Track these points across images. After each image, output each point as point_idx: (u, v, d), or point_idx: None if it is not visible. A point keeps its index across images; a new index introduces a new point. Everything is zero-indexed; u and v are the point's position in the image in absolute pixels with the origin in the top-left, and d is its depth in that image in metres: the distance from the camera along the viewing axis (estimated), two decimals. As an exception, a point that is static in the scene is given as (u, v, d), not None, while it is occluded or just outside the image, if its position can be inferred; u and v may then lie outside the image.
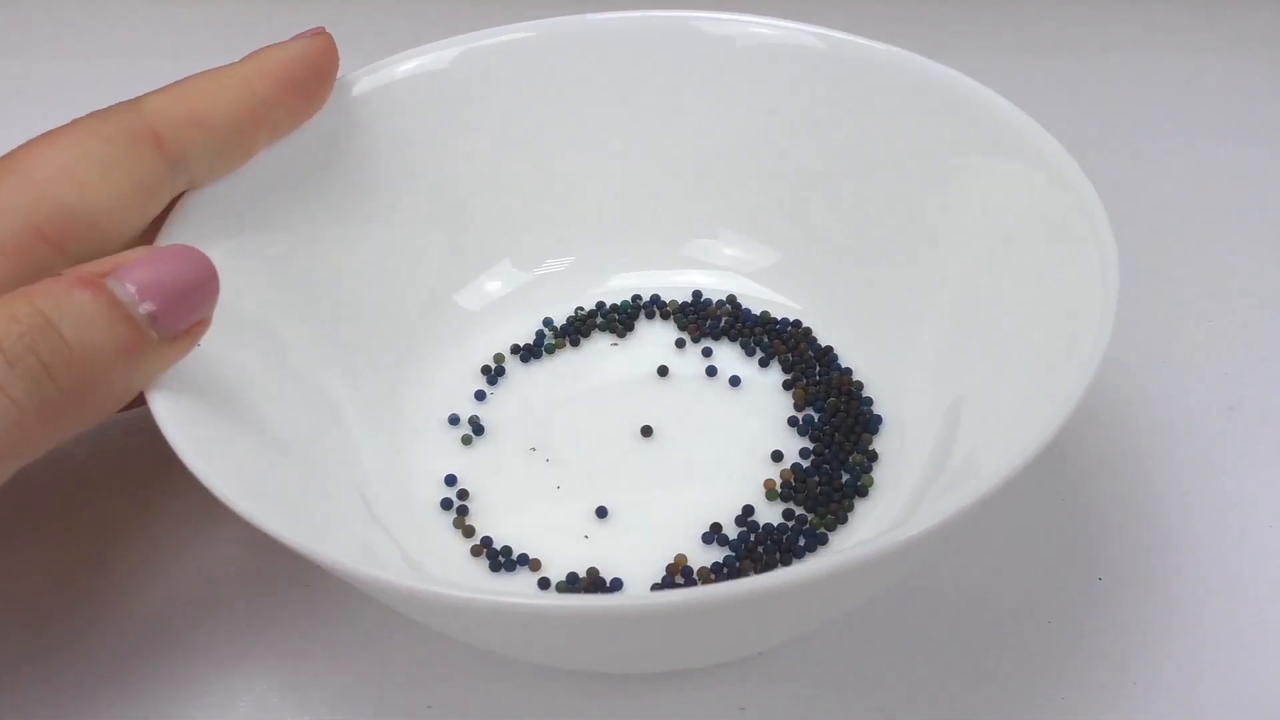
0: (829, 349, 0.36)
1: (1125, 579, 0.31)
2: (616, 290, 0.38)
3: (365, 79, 0.34)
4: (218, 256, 0.30)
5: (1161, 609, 0.31)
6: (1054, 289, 0.29)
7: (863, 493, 0.32)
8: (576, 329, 0.37)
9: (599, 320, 0.37)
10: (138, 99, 0.29)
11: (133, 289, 0.25)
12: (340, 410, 0.32)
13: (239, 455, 0.27)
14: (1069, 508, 0.33)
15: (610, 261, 0.38)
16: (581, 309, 0.37)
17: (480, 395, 0.35)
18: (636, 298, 0.37)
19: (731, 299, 0.37)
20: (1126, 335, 0.35)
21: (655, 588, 0.30)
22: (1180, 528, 0.32)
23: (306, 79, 0.31)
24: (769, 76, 0.36)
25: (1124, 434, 0.34)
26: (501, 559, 0.31)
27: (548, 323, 0.37)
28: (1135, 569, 0.32)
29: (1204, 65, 0.47)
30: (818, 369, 0.35)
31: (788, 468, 0.33)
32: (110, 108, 0.29)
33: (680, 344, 0.36)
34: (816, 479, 0.32)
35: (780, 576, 0.22)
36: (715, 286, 0.38)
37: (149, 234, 0.30)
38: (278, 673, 0.30)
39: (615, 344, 0.37)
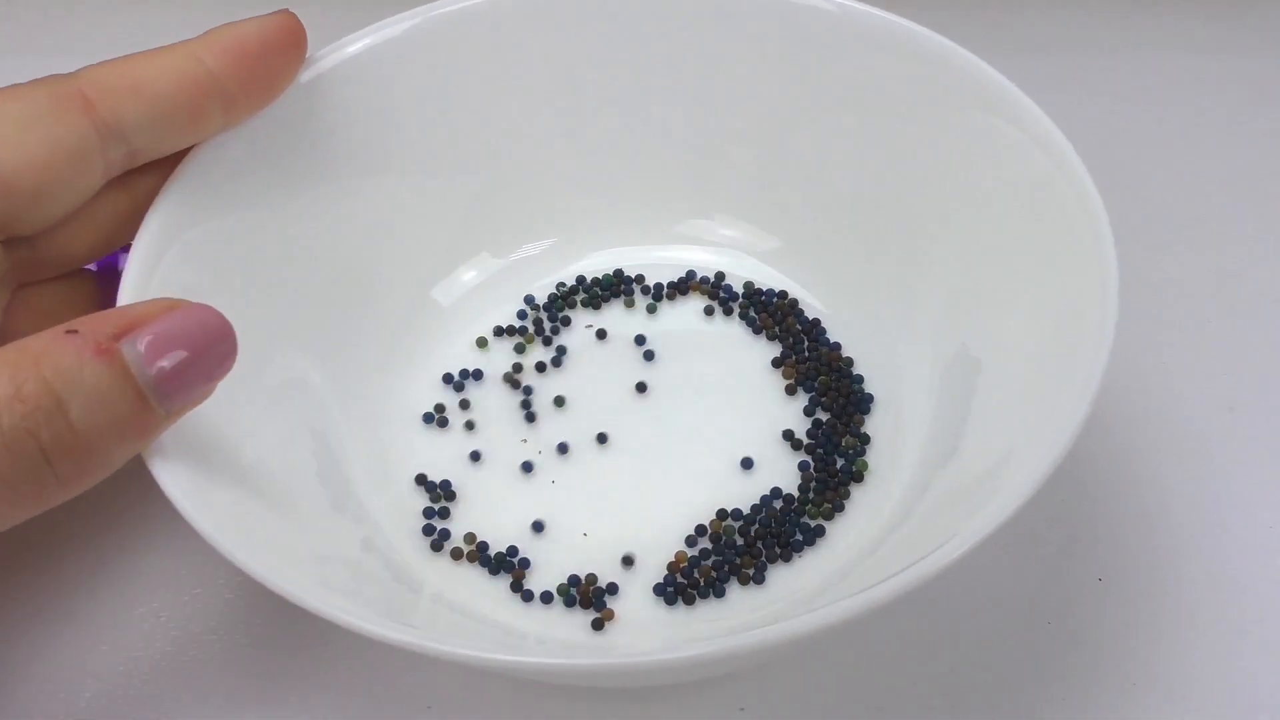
0: (816, 321, 0.35)
1: (1125, 579, 0.31)
2: (600, 269, 0.37)
3: (324, 59, 0.32)
4: (185, 249, 0.29)
5: (1161, 609, 0.31)
6: (1051, 256, 0.29)
7: (858, 478, 0.32)
8: (558, 309, 0.36)
9: (581, 298, 0.36)
10: (76, 70, 0.28)
11: (143, 347, 0.23)
12: (326, 409, 0.32)
13: (234, 500, 0.26)
14: (1069, 507, 0.33)
15: (592, 243, 0.37)
16: (564, 284, 0.36)
17: (465, 389, 0.34)
18: (619, 272, 0.36)
19: (719, 275, 0.36)
20: (1126, 336, 0.35)
21: (657, 588, 0.30)
22: (1180, 528, 0.32)
23: (263, 54, 0.29)
24: (759, 39, 0.34)
25: (1124, 434, 0.34)
26: (501, 560, 0.31)
27: (529, 300, 0.36)
28: (1135, 569, 0.32)
29: (1205, 65, 0.47)
30: (806, 344, 0.35)
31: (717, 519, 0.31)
32: (44, 76, 0.28)
33: (654, 326, 0.36)
34: (811, 470, 0.32)
35: (833, 612, 0.23)
36: (706, 262, 0.37)
37: (105, 221, 0.29)
38: (277, 672, 0.30)
39: (590, 326, 0.36)
